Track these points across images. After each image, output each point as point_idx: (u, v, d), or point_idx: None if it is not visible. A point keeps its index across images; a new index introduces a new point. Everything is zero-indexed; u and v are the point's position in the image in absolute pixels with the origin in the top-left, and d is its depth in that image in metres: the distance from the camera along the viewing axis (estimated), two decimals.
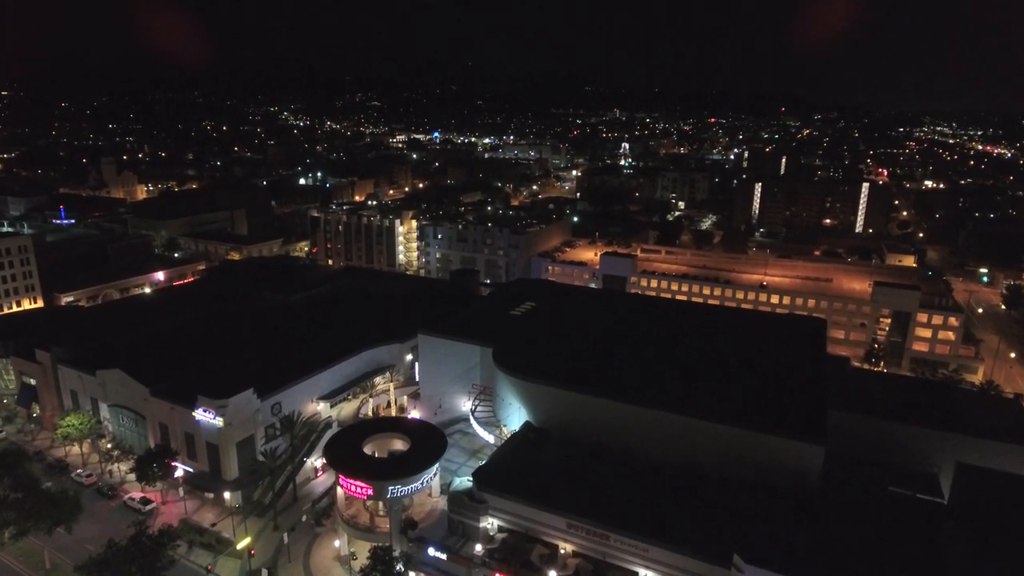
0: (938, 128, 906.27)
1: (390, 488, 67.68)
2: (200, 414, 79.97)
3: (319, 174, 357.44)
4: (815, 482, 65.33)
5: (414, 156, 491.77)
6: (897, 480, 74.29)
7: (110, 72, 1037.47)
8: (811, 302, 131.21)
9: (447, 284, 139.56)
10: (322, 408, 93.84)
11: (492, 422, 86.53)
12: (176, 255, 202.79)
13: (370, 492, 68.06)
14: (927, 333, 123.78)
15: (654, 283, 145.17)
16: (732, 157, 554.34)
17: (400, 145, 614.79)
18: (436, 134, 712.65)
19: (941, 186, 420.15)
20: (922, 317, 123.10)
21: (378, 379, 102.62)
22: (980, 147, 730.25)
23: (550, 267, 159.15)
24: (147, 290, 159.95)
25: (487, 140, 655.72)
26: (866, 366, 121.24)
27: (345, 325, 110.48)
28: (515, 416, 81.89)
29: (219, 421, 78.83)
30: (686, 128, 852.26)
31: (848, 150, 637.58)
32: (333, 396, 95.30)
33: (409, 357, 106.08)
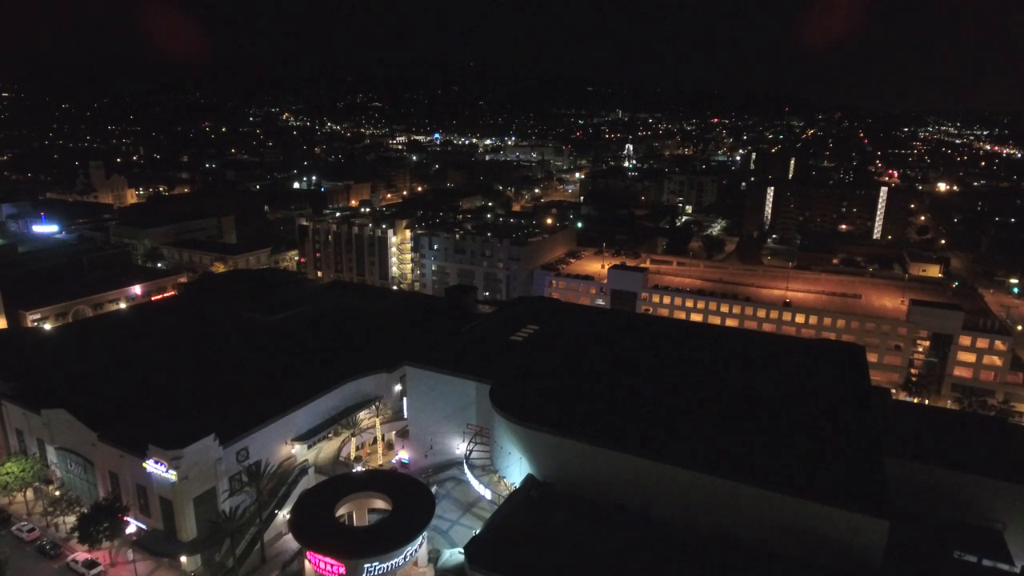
0: (943, 128, 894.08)
1: (366, 566, 56.80)
2: (151, 466, 69.12)
3: (314, 178, 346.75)
4: (876, 561, 54.39)
5: (413, 158, 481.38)
6: (959, 541, 63.79)
7: (111, 73, 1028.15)
8: (840, 322, 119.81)
9: (442, 301, 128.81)
10: (297, 450, 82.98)
11: (490, 468, 75.90)
12: (159, 265, 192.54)
13: (342, 571, 57.13)
14: (970, 358, 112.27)
15: (667, 299, 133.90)
16: (738, 158, 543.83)
17: (400, 147, 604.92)
18: (437, 136, 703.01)
19: (955, 188, 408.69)
20: (965, 340, 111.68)
21: (363, 413, 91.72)
22: (988, 147, 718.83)
23: (554, 281, 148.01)
24: (123, 306, 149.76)
25: (488, 141, 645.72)
26: (902, 395, 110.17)
27: (328, 350, 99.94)
28: (516, 467, 70.94)
29: (172, 475, 67.94)
30: (689, 128, 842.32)
31: (856, 151, 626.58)
32: (310, 436, 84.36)
33: (398, 388, 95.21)
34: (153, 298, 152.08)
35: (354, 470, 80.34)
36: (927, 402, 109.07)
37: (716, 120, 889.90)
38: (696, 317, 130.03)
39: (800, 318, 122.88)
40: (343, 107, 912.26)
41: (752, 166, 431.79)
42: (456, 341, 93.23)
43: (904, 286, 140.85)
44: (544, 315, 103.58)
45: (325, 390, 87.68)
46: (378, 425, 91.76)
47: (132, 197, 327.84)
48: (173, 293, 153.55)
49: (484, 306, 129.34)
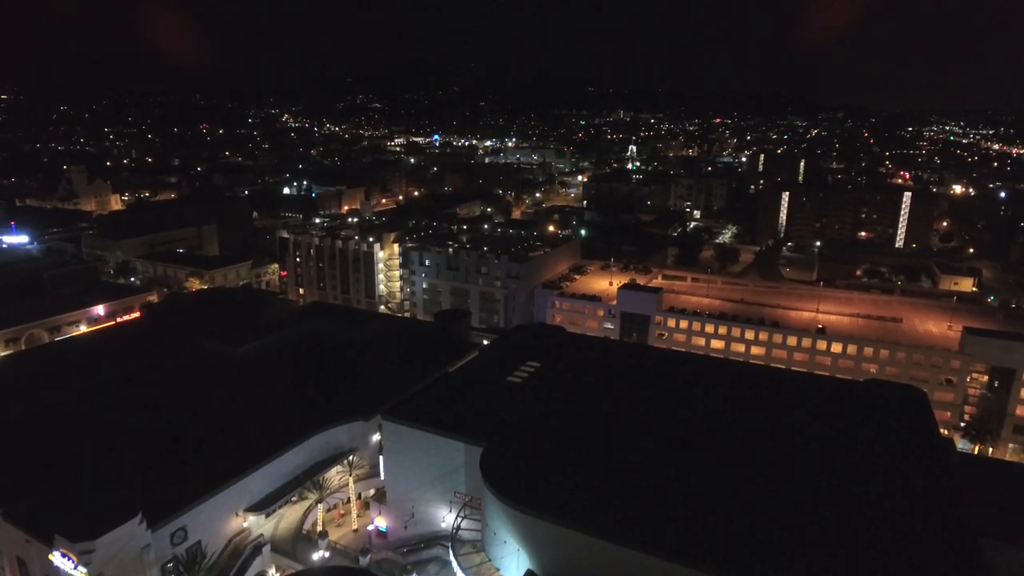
0: (947, 127, 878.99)
1: None
2: (58, 559, 55.41)
3: (305, 182, 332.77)
4: None
5: (411, 161, 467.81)
6: None
7: (111, 74, 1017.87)
8: (883, 352, 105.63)
9: (432, 327, 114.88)
10: (251, 523, 69.11)
11: (481, 549, 62.17)
12: (133, 280, 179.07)
13: None
14: None
15: (683, 324, 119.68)
16: (744, 159, 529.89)
17: (398, 148, 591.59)
18: (436, 137, 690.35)
19: (971, 191, 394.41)
20: None
21: (334, 471, 77.75)
22: (998, 147, 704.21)
23: (557, 302, 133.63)
24: (84, 328, 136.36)
25: (488, 143, 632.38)
26: (957, 438, 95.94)
27: (298, 390, 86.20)
28: (512, 559, 57.10)
29: (81, 573, 54.19)
30: (691, 128, 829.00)
31: (863, 151, 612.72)
32: (268, 504, 70.44)
33: (376, 437, 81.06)
34: (119, 319, 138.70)
35: (319, 552, 66.69)
36: (991, 450, 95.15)
37: (718, 120, 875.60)
38: (717, 344, 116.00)
39: (836, 347, 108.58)
40: (343, 108, 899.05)
41: (760, 167, 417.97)
42: (443, 385, 79.54)
43: (946, 306, 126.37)
44: (547, 349, 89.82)
45: (289, 445, 73.84)
46: (352, 484, 77.91)
47: (116, 203, 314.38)
48: (138, 315, 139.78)
49: (479, 333, 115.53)
